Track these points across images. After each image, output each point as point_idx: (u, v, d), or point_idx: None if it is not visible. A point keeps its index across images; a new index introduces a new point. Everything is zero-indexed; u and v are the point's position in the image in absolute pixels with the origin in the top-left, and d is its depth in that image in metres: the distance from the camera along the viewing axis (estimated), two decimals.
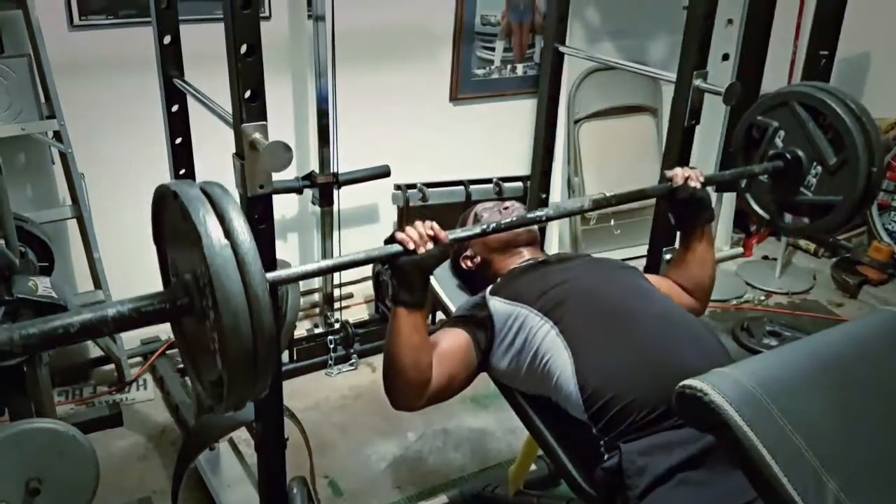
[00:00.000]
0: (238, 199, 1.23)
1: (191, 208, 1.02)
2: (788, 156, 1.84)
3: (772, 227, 1.99)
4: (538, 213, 1.60)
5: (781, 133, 1.87)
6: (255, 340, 1.01)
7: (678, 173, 1.71)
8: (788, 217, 1.95)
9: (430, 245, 1.39)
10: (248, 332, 1.00)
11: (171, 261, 1.22)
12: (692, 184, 1.69)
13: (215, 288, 0.98)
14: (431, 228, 1.40)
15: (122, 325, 1.05)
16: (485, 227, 1.51)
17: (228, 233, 1.01)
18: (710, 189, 1.76)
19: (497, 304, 1.61)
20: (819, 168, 1.80)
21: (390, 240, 1.40)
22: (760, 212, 1.97)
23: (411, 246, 1.38)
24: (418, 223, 1.41)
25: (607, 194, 1.65)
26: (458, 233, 1.47)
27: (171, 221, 1.16)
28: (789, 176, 1.85)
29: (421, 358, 1.45)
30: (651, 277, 1.80)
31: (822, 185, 1.81)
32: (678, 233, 1.85)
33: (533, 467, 2.27)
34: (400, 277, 1.40)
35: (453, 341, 1.58)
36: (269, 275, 1.13)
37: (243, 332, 0.99)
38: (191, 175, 1.95)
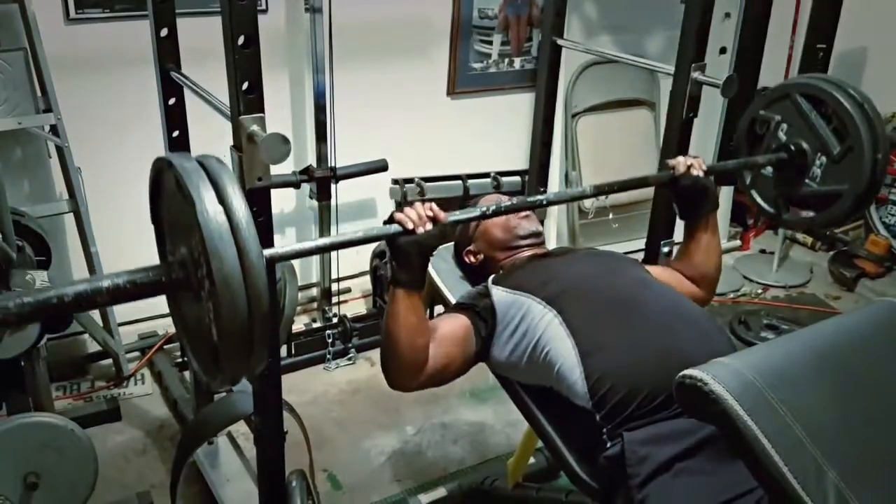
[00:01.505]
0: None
1: (185, 177, 1.01)
2: (792, 147, 1.83)
3: (777, 221, 1.97)
4: (538, 197, 1.58)
5: (784, 126, 1.85)
6: (251, 311, 0.99)
7: (680, 161, 1.70)
8: (794, 212, 1.93)
9: (429, 226, 1.38)
10: (244, 302, 0.98)
11: (168, 239, 1.20)
12: (694, 172, 1.68)
13: (209, 254, 0.97)
14: (431, 209, 1.40)
15: (117, 297, 1.04)
16: (484, 209, 1.49)
17: (223, 200, 1.00)
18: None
19: (500, 294, 1.61)
20: (823, 158, 1.79)
21: (389, 220, 1.40)
22: (766, 207, 1.95)
23: (410, 226, 1.37)
24: (417, 204, 1.41)
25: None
26: (458, 215, 1.46)
27: (167, 195, 1.15)
28: (794, 168, 1.83)
29: (417, 339, 1.45)
30: (656, 269, 1.80)
31: (827, 176, 1.79)
32: (679, 224, 1.84)
33: (532, 460, 2.28)
34: (399, 258, 1.40)
35: (453, 326, 1.58)
36: (266, 251, 1.12)
37: (238, 301, 0.98)
38: None
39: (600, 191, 1.63)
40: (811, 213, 1.89)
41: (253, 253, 0.99)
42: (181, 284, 1.08)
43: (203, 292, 1.03)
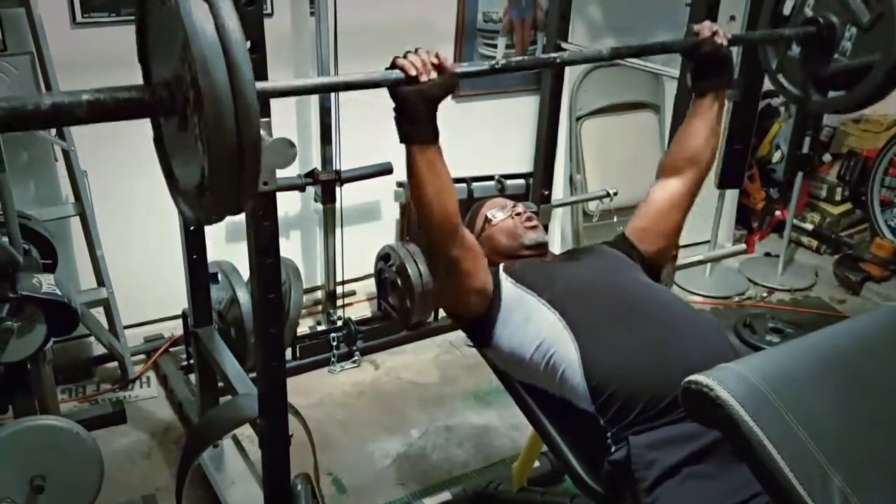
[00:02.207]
0: None
1: None
2: (821, 20, 1.74)
3: (807, 105, 1.86)
4: (553, 55, 1.51)
5: (811, 1, 1.78)
6: (239, 130, 0.94)
7: (706, 25, 1.66)
8: (824, 93, 1.83)
9: (433, 74, 1.33)
10: (231, 117, 0.93)
11: (152, 61, 1.13)
12: (718, 40, 1.64)
13: (196, 61, 0.91)
14: (436, 56, 1.34)
15: (96, 112, 0.98)
16: (493, 62, 1.41)
17: (216, 14, 0.93)
18: (712, 185, 1.75)
19: (508, 283, 1.62)
20: (853, 30, 1.70)
21: (392, 66, 1.33)
22: (793, 90, 1.86)
23: (413, 73, 1.32)
24: (422, 51, 1.34)
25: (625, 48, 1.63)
26: (465, 67, 1.39)
27: (155, 20, 1.08)
28: (822, 42, 1.75)
29: (444, 200, 1.42)
30: (651, 194, 1.78)
31: (857, 48, 1.70)
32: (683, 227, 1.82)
33: (536, 464, 2.28)
34: (402, 108, 1.35)
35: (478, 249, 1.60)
36: (259, 84, 1.03)
37: (226, 116, 0.92)
38: None
39: (618, 53, 1.59)
40: (842, 93, 1.79)
41: (243, 68, 0.93)
42: (166, 106, 1.03)
43: (188, 110, 0.98)
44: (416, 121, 1.35)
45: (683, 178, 1.74)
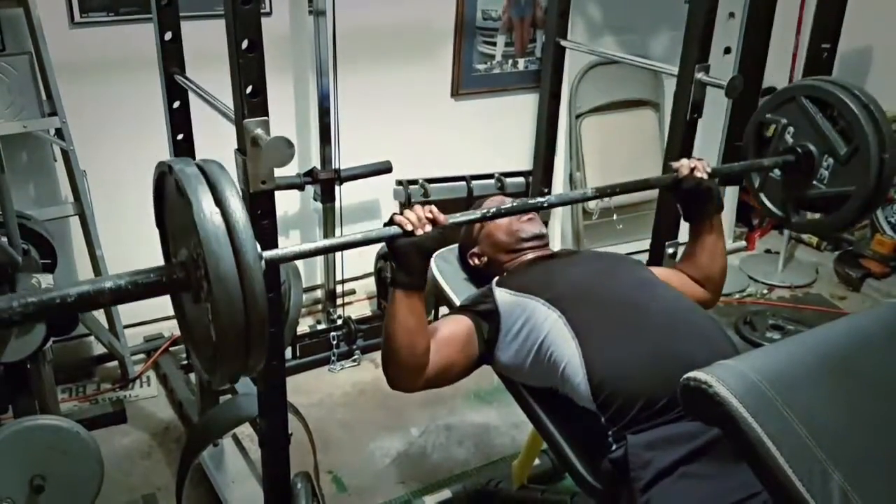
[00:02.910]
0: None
1: (185, 181, 1.03)
2: (799, 150, 1.82)
3: (787, 225, 1.98)
4: (539, 199, 1.58)
5: (791, 129, 1.85)
6: (247, 311, 1.01)
7: (683, 164, 1.70)
8: (803, 215, 1.93)
9: (428, 227, 1.39)
10: (240, 302, 1.00)
11: (171, 241, 1.23)
12: (698, 174, 1.68)
13: (206, 255, 0.99)
14: (430, 211, 1.40)
15: (119, 298, 1.06)
16: (484, 211, 1.49)
17: (221, 203, 1.02)
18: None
19: (503, 296, 1.61)
20: (830, 160, 1.78)
21: (389, 222, 1.40)
22: (775, 210, 1.95)
23: (409, 227, 1.38)
24: (417, 206, 1.41)
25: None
26: (458, 217, 1.46)
27: (169, 199, 1.18)
28: (801, 170, 1.83)
29: (417, 341, 1.46)
30: (661, 270, 1.80)
31: (834, 177, 1.79)
32: (683, 225, 1.84)
33: (537, 462, 2.28)
34: (398, 259, 1.40)
35: (454, 328, 1.58)
36: (267, 253, 1.14)
37: (234, 302, 1.00)
38: None
39: (602, 193, 1.63)
40: (820, 216, 1.88)
41: (249, 254, 1.01)
42: (182, 285, 1.10)
43: (202, 293, 1.05)
44: (410, 270, 1.40)
45: (701, 290, 1.77)
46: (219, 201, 1.02)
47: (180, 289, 1.12)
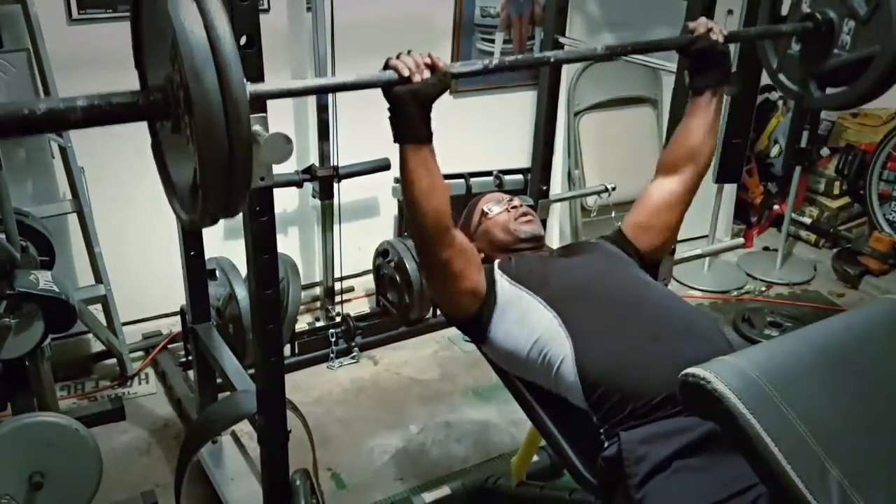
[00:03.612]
0: None
1: None
2: (818, 15, 1.73)
3: (809, 103, 1.85)
4: (547, 54, 1.49)
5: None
6: (230, 133, 0.94)
7: (701, 22, 1.64)
8: (825, 90, 1.81)
9: (426, 74, 1.33)
10: (223, 126, 0.94)
11: (146, 63, 1.14)
12: (714, 36, 1.62)
13: (185, 68, 0.91)
14: (429, 56, 1.34)
15: (91, 116, 0.99)
16: (486, 62, 1.41)
17: (205, 17, 0.93)
18: (710, 179, 1.74)
19: (503, 281, 1.62)
20: (851, 23, 1.68)
21: (385, 67, 1.33)
22: (795, 88, 1.85)
23: (406, 73, 1.31)
24: (414, 52, 1.34)
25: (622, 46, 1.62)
26: (458, 67, 1.39)
27: (148, 28, 1.09)
28: (821, 38, 1.74)
29: (434, 196, 1.42)
30: (647, 192, 1.78)
31: (856, 41, 1.68)
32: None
33: (535, 458, 2.28)
34: (396, 109, 1.34)
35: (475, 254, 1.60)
36: (251, 87, 1.04)
37: (216, 121, 0.93)
38: None
39: (614, 52, 1.58)
40: (843, 89, 1.76)
41: (234, 72, 0.93)
42: (159, 109, 1.03)
43: (182, 119, 0.98)
44: (410, 121, 1.34)
45: (682, 175, 1.73)
46: (204, 16, 0.93)
47: (158, 114, 1.05)
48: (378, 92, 1.39)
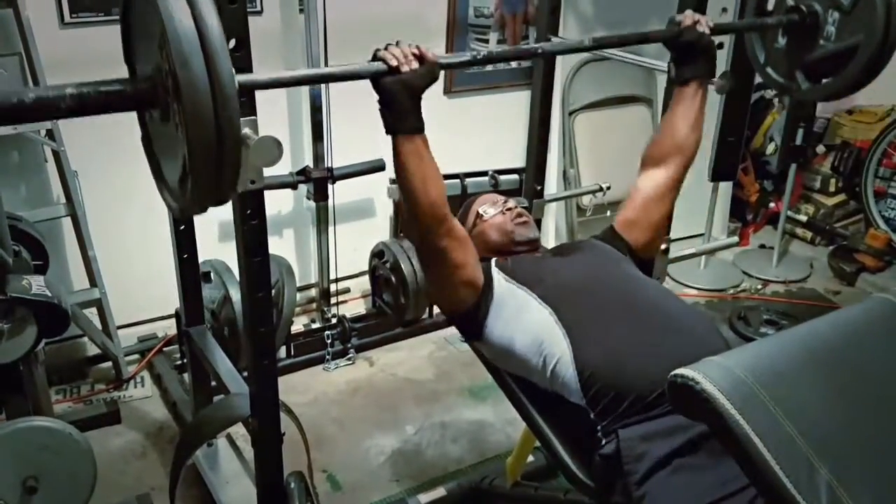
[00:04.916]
0: None
1: None
2: (803, 7, 1.76)
3: (796, 94, 1.88)
4: (535, 45, 1.52)
5: None
6: (218, 121, 0.95)
7: (688, 14, 1.66)
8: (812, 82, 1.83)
9: (415, 64, 1.33)
10: (210, 109, 0.94)
11: (139, 69, 1.15)
12: (700, 28, 1.64)
13: (174, 56, 0.91)
14: (417, 48, 1.35)
15: (80, 105, 0.99)
16: (475, 53, 1.42)
17: (192, 3, 0.94)
18: (706, 177, 1.74)
19: (499, 278, 1.63)
20: (836, 14, 1.71)
21: (374, 58, 1.34)
22: (781, 81, 1.87)
23: (394, 63, 1.32)
24: (403, 42, 1.35)
25: (608, 35, 1.63)
26: (447, 57, 1.40)
27: (137, 20, 1.10)
28: (806, 29, 1.76)
29: (429, 185, 1.43)
30: (636, 187, 1.79)
31: (841, 31, 1.71)
32: (675, 222, 1.81)
33: (531, 459, 2.28)
34: (386, 100, 1.35)
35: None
36: (239, 77, 1.04)
37: (204, 108, 0.93)
38: None
39: (600, 44, 1.60)
40: (829, 80, 1.79)
41: (221, 59, 0.94)
42: (148, 97, 1.03)
43: (171, 105, 0.98)
44: (400, 111, 1.35)
45: (668, 167, 1.74)
46: (191, 3, 0.94)
47: (147, 102, 1.05)
48: (372, 93, 1.39)
